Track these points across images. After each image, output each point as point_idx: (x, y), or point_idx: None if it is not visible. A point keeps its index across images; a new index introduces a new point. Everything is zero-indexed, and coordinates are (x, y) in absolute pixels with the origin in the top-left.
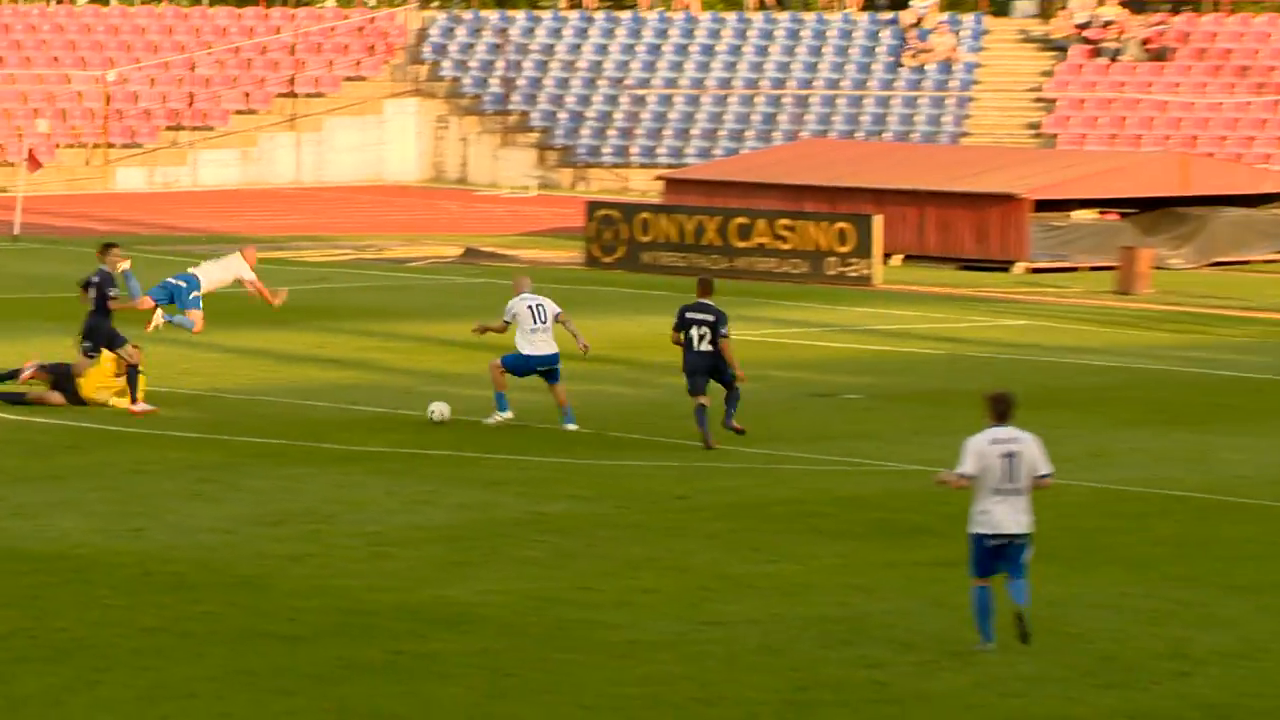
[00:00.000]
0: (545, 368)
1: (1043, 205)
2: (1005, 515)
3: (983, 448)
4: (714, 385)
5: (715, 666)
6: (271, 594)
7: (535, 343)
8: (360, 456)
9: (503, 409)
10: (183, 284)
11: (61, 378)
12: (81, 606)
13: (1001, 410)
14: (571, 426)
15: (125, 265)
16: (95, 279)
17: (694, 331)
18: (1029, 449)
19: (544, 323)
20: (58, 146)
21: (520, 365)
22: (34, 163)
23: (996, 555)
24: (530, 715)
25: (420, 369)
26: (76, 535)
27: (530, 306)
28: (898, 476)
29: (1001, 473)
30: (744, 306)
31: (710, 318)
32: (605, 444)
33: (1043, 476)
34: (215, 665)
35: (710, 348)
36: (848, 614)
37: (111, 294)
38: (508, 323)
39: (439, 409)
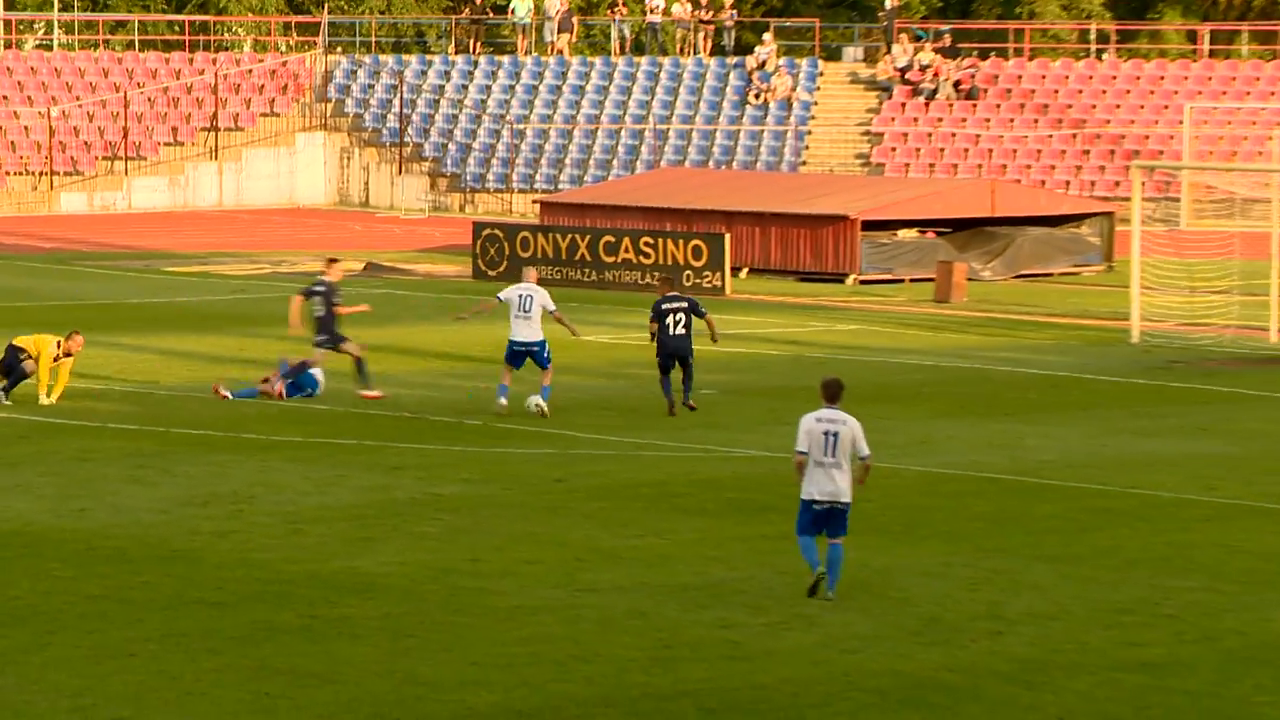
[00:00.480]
0: (523, 349)
1: (871, 225)
2: (826, 483)
3: (810, 425)
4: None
5: (589, 628)
6: (201, 566)
7: (516, 328)
8: (278, 445)
9: (500, 395)
10: None
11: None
12: (34, 577)
13: (831, 393)
14: (534, 400)
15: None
16: (320, 288)
17: (670, 319)
18: (849, 429)
19: (526, 312)
20: (7, 174)
21: (508, 350)
22: None
23: (819, 518)
24: (428, 671)
25: (330, 369)
26: (29, 515)
27: (520, 295)
28: (747, 462)
29: (823, 447)
30: (611, 314)
31: (684, 304)
32: (492, 434)
33: (863, 457)
34: (152, 628)
35: (684, 330)
36: (706, 581)
37: (336, 300)
38: (500, 300)
39: (536, 402)
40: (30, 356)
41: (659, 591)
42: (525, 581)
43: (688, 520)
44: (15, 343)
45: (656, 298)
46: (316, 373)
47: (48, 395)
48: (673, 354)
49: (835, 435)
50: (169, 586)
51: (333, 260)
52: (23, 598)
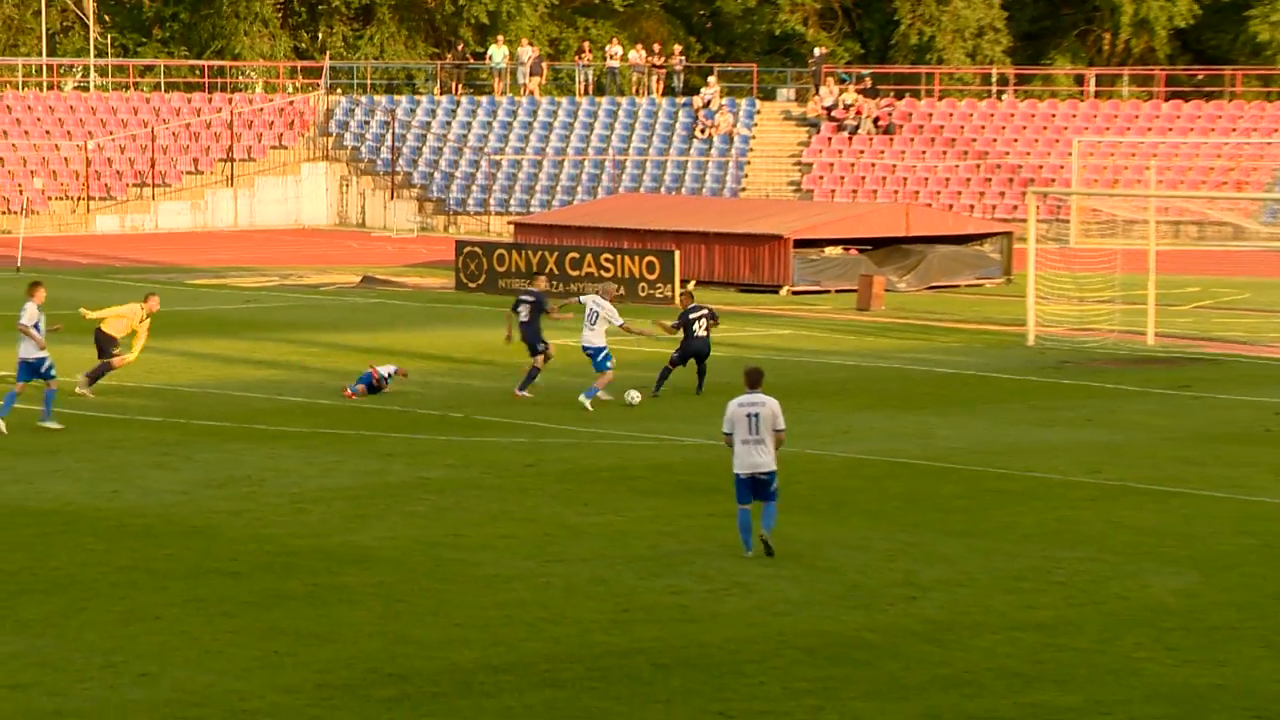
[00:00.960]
0: (588, 353)
1: (801, 243)
2: (752, 457)
3: (734, 410)
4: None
5: (557, 594)
6: (217, 540)
7: (584, 335)
8: (285, 435)
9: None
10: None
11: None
12: (71, 550)
13: (752, 380)
14: (583, 398)
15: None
16: (531, 299)
17: (696, 325)
18: (768, 409)
19: (592, 325)
20: (50, 199)
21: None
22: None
23: (749, 486)
24: (417, 631)
25: (330, 368)
26: (67, 496)
27: (590, 306)
28: (695, 449)
29: (747, 427)
30: (577, 321)
31: (706, 310)
32: (473, 425)
33: (778, 431)
34: (175, 595)
35: (705, 332)
36: (658, 553)
37: (548, 307)
38: (579, 301)
39: (633, 395)
40: (122, 349)
41: (617, 562)
42: (501, 554)
43: (643, 500)
44: (103, 330)
45: (681, 309)
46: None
47: (131, 354)
48: (694, 353)
49: (757, 415)
50: (190, 558)
51: (538, 274)
52: (62, 568)
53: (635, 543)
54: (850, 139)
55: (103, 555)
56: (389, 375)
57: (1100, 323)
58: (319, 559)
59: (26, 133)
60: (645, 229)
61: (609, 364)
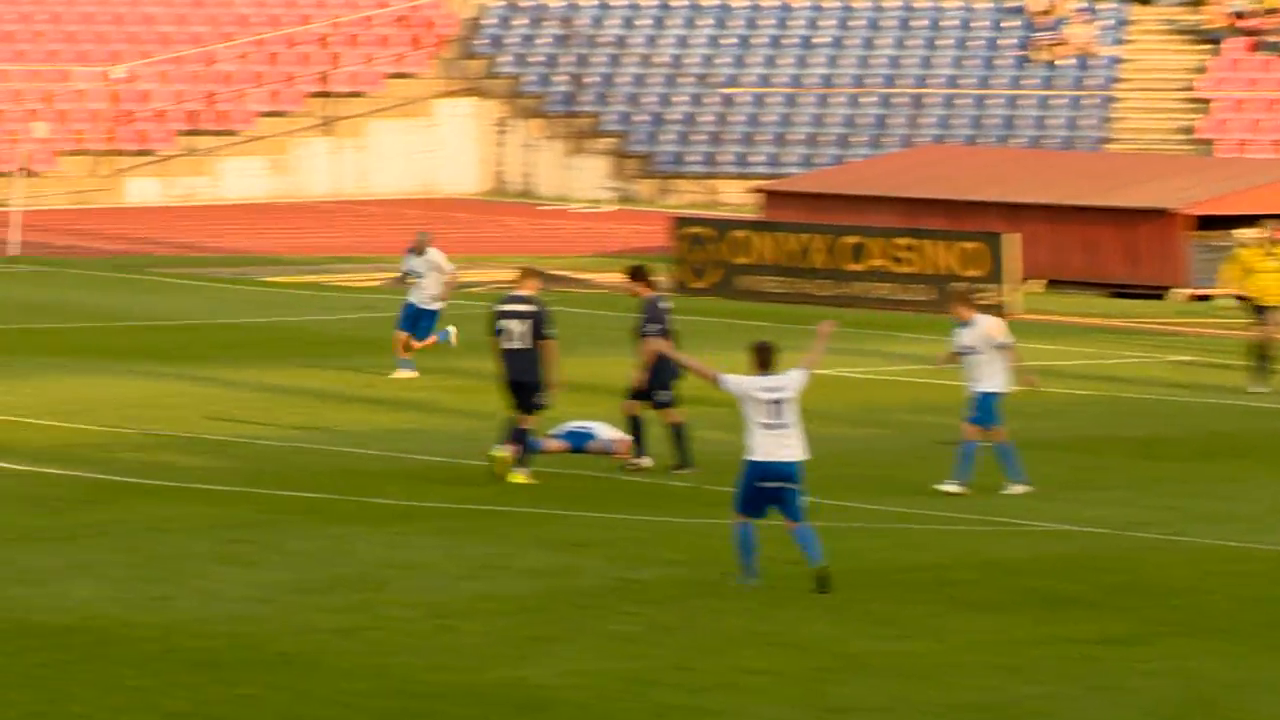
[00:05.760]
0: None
1: (1203, 222)
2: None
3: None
4: None
5: None
6: (318, 673)
7: None
8: (416, 513)
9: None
10: None
11: None
12: (100, 688)
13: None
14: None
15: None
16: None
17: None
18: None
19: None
20: (58, 154)
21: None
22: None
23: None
24: None
25: (483, 410)
26: (93, 605)
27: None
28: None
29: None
30: (855, 339)
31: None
32: (706, 499)
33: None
34: None
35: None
36: None
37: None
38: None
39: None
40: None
41: None
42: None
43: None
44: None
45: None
46: None
47: None
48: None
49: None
50: (276, 701)
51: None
52: (88, 715)
53: None
54: (1271, 62)
55: (144, 696)
56: (610, 444)
57: None
58: (473, 705)
59: (23, 54)
60: (960, 200)
61: None
